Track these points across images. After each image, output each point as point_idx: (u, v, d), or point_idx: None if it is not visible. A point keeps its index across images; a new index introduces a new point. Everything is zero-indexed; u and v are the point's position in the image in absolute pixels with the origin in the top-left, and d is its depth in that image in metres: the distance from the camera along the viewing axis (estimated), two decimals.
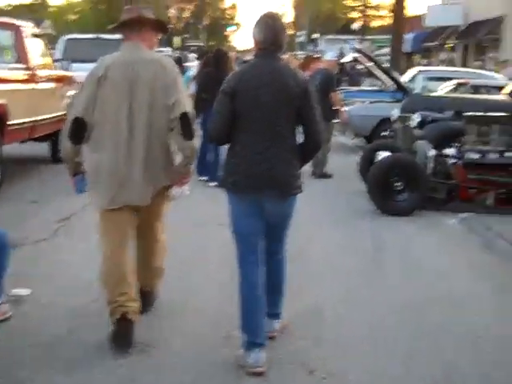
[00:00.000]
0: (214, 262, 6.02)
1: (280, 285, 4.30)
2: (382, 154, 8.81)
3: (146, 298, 4.60)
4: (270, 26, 3.93)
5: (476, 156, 8.52)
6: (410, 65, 30.19)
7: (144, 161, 4.13)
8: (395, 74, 14.25)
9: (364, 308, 5.09)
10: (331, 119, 10.64)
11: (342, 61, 18.63)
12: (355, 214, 8.16)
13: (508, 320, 4.96)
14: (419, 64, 32.07)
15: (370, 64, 14.65)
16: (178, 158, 4.29)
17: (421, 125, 10.38)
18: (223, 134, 3.98)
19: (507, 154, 8.42)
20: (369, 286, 5.61)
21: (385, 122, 12.94)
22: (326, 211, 8.32)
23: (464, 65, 30.57)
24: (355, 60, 16.62)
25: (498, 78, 16.20)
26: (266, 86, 3.88)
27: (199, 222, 7.36)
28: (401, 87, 13.54)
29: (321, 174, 10.67)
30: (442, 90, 14.10)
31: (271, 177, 3.90)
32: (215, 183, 9.32)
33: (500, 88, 13.11)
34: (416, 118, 10.42)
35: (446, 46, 34.78)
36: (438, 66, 29.65)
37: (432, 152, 8.56)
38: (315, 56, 12.17)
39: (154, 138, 4.15)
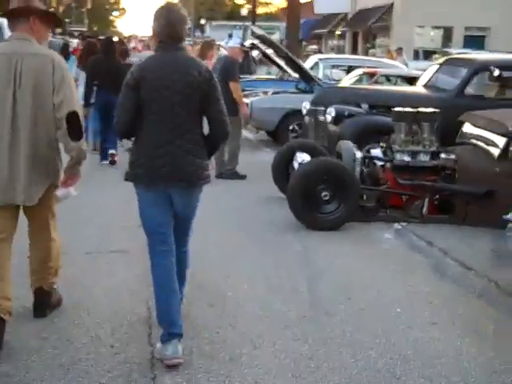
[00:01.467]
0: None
1: (183, 277, 4.26)
2: (302, 157, 7.53)
3: (44, 298, 4.46)
4: (165, 18, 3.89)
5: (407, 158, 7.40)
6: (301, 52, 29.26)
7: (29, 159, 4.01)
8: (301, 62, 13.04)
9: None
10: (237, 113, 9.25)
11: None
12: (274, 228, 6.84)
13: None
14: (307, 51, 31.23)
15: (270, 51, 13.40)
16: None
17: (336, 120, 9.25)
18: (127, 126, 3.95)
19: (442, 156, 7.34)
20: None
21: (291, 115, 11.71)
22: (238, 224, 6.96)
23: (353, 52, 30.04)
24: (253, 46, 15.33)
25: (400, 66, 15.35)
26: (167, 77, 3.84)
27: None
28: (307, 76, 12.35)
29: (232, 173, 9.28)
30: (349, 79, 13.03)
31: (175, 169, 3.87)
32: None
33: (410, 78, 12.17)
34: (331, 112, 9.27)
35: (335, 33, 34.13)
36: (328, 53, 28.91)
37: (359, 154, 7.35)
38: (211, 42, 10.72)
39: (41, 136, 4.04)
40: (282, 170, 8.06)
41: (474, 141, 7.61)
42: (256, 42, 13.52)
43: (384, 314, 4.74)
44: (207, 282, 5.20)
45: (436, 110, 7.57)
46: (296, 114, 11.41)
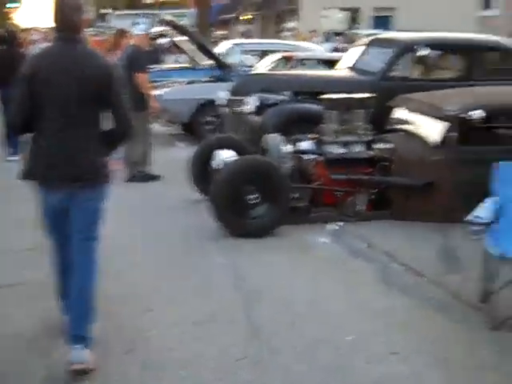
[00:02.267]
0: None
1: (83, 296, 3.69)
2: (224, 155, 6.67)
3: None
4: (59, 8, 3.67)
5: (340, 150, 6.65)
6: (209, 38, 28.26)
7: None
8: (214, 49, 12.15)
9: None
10: (145, 108, 8.29)
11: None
12: (197, 238, 5.98)
13: None
14: (215, 37, 30.22)
15: (181, 38, 12.50)
16: None
17: (258, 110, 8.43)
18: (19, 121, 3.70)
19: (377, 146, 6.64)
20: None
21: (206, 106, 10.80)
22: (155, 234, 6.06)
23: (263, 36, 29.34)
24: (161, 34, 14.34)
25: (317, 49, 14.65)
26: (60, 70, 3.61)
27: None
28: (221, 64, 11.48)
29: (144, 175, 8.32)
30: (267, 65, 12.19)
31: (70, 167, 3.61)
32: None
33: (330, 62, 11.46)
34: (252, 102, 8.43)
35: (243, 17, 33.29)
36: (237, 38, 28.02)
37: (288, 148, 6.55)
38: (124, 31, 9.65)
39: None
40: (201, 170, 7.17)
41: (408, 127, 6.94)
42: (166, 29, 12.57)
43: (336, 344, 3.96)
44: (123, 317, 4.30)
45: (370, 95, 6.85)
46: (212, 104, 10.50)
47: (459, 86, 8.41)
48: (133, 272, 5.13)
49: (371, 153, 6.64)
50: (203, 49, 11.72)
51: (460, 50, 8.97)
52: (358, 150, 6.72)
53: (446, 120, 6.34)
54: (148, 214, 6.79)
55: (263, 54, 14.11)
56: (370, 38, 9.74)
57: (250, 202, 5.99)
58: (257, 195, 6.00)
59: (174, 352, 3.88)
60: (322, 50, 14.68)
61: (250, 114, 8.50)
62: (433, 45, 8.93)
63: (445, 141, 6.35)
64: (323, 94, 8.73)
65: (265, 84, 8.88)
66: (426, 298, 4.64)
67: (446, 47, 9.13)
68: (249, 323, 4.22)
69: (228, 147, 6.91)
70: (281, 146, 6.52)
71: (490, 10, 28.18)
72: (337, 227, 6.31)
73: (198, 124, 10.94)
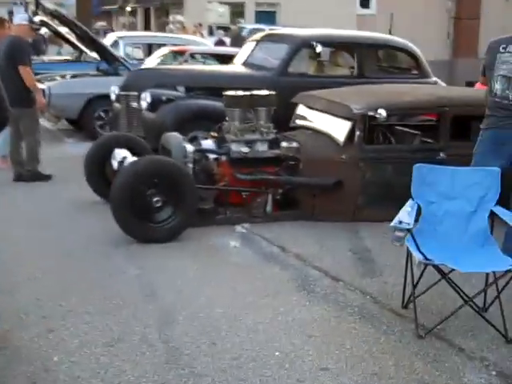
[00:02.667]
0: None
1: None
2: (122, 154, 6.22)
3: None
4: None
5: (244, 149, 6.34)
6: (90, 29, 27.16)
7: None
8: (101, 41, 11.54)
9: None
10: (32, 103, 7.65)
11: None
12: (97, 246, 5.51)
13: None
14: (96, 28, 29.14)
15: (63, 29, 11.79)
16: None
17: (153, 106, 8.01)
18: None
19: (283, 144, 6.39)
20: None
21: (95, 100, 10.20)
22: (47, 242, 5.53)
23: (146, 29, 28.65)
24: (43, 23, 13.49)
25: (205, 43, 14.30)
26: None
27: None
28: (109, 57, 10.90)
29: (34, 174, 7.67)
30: (155, 59, 11.71)
31: None
32: None
33: (222, 56, 11.16)
34: (146, 98, 8.00)
35: (125, 9, 32.33)
36: (120, 31, 27.13)
37: (190, 148, 6.18)
38: (2, 20, 8.87)
39: None
40: (97, 169, 6.66)
41: (313, 125, 6.76)
42: (47, 18, 11.80)
43: (264, 362, 3.65)
44: (20, 341, 3.81)
45: (272, 93, 6.58)
46: (101, 99, 9.95)
47: (355, 82, 8.40)
48: (30, 286, 4.61)
49: (277, 152, 6.39)
50: (89, 40, 11.08)
51: (354, 47, 8.90)
52: (263, 148, 6.45)
53: (352, 119, 6.19)
54: (43, 219, 6.22)
55: (148, 47, 13.67)
56: (262, 33, 9.50)
57: (154, 205, 5.59)
58: (161, 198, 5.60)
59: (83, 382, 3.44)
60: (211, 45, 14.35)
61: (143, 110, 8.06)
62: (328, 41, 8.85)
63: (352, 140, 6.20)
64: (219, 89, 8.47)
65: (158, 79, 8.45)
66: (348, 306, 4.42)
67: (340, 44, 9.07)
68: (165, 344, 3.84)
69: (126, 146, 6.47)
70: (183, 146, 6.14)
71: (368, 9, 28.81)
72: (244, 230, 6.03)
73: (87, 119, 10.32)
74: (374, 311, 4.37)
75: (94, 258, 5.21)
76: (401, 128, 6.93)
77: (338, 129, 6.36)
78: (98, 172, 6.64)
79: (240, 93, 6.49)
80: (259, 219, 6.24)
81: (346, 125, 6.25)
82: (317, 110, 6.78)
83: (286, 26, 24.32)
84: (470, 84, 11.75)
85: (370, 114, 6.13)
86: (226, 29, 25.54)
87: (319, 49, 8.52)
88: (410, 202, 4.32)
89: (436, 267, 4.00)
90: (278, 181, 6.23)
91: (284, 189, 6.32)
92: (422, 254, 3.92)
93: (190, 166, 6.10)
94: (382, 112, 6.05)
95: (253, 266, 5.13)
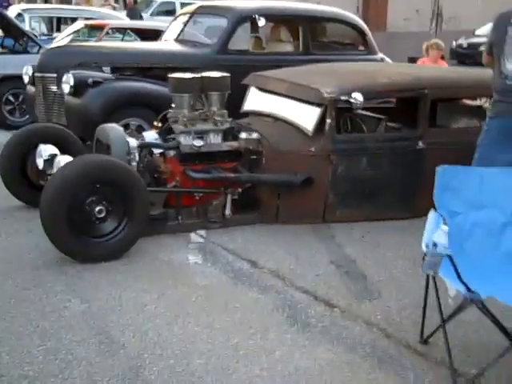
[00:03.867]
0: None
1: None
2: (48, 151, 5.05)
3: None
4: None
5: (197, 142, 5.29)
6: None
7: None
8: (6, 13, 10.05)
9: None
10: None
11: None
12: (25, 270, 4.37)
13: None
14: None
15: None
16: None
17: (77, 90, 6.80)
18: None
19: (242, 135, 5.38)
20: None
21: (2, 82, 8.81)
22: None
23: (46, 1, 26.65)
24: None
25: (121, 16, 12.95)
26: None
27: None
28: (15, 31, 9.49)
29: None
30: (67, 35, 10.34)
31: None
32: None
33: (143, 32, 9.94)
34: (69, 80, 6.78)
35: None
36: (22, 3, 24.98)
37: (134, 142, 5.06)
38: None
39: None
40: (16, 169, 5.45)
41: (272, 112, 5.77)
42: None
43: None
44: None
45: (226, 75, 5.53)
46: (9, 80, 8.60)
47: (300, 60, 7.53)
48: None
49: (234, 144, 5.37)
50: None
51: (300, 21, 7.92)
52: (217, 140, 5.42)
53: (322, 104, 5.25)
54: None
55: (57, 21, 12.26)
56: (195, 5, 8.35)
57: (96, 216, 4.48)
58: (104, 207, 4.49)
59: None
60: (126, 18, 13.01)
61: (66, 95, 6.82)
62: (271, 14, 7.84)
63: (322, 129, 5.27)
64: (150, 70, 7.37)
65: (81, 58, 7.19)
66: (358, 345, 3.51)
67: (284, 17, 8.07)
68: None
69: (52, 140, 5.29)
70: (126, 140, 5.02)
71: None
72: (202, 239, 5.01)
73: None
74: (389, 350, 3.48)
75: (19, 289, 4.07)
76: (368, 113, 6.05)
77: (305, 116, 5.41)
78: (19, 171, 5.43)
79: (189, 75, 5.40)
80: (217, 224, 5.24)
81: (315, 111, 5.31)
82: (276, 93, 5.80)
83: None
84: (413, 60, 11.08)
85: (343, 98, 5.22)
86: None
87: (262, 22, 7.51)
88: (432, 213, 3.42)
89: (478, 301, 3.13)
90: (238, 179, 5.23)
91: (243, 188, 5.33)
92: (465, 284, 3.04)
93: (134, 164, 4.99)
94: (358, 96, 5.14)
95: (225, 290, 4.13)
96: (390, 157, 5.47)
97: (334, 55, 8.15)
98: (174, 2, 22.88)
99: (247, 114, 6.14)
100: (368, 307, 3.96)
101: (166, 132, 5.45)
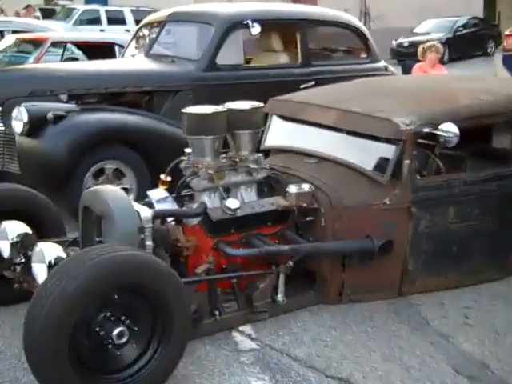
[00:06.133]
0: None
1: None
2: (15, 231, 3.41)
3: None
4: None
5: (232, 203, 3.71)
6: None
7: None
8: None
9: None
10: None
11: None
12: None
13: None
14: None
15: None
16: None
17: (33, 128, 5.15)
18: None
19: (292, 190, 3.83)
20: None
21: None
22: None
23: None
24: None
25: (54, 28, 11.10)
26: None
27: None
28: None
29: None
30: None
31: None
32: None
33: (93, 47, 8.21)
34: (21, 116, 5.13)
35: None
36: None
37: (148, 212, 3.44)
38: None
39: None
40: None
41: (314, 149, 4.27)
42: None
43: None
44: None
45: (259, 105, 3.97)
46: None
47: (300, 73, 6.19)
48: None
49: (282, 202, 3.82)
50: None
51: (298, 26, 6.43)
52: (251, 197, 3.88)
53: (398, 140, 3.79)
54: None
55: None
56: (166, 11, 6.72)
57: (113, 342, 2.85)
58: (126, 327, 2.88)
59: None
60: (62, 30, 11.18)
61: (19, 134, 5.12)
62: (266, 19, 6.33)
63: (398, 173, 3.82)
64: (120, 95, 5.81)
65: (31, 85, 5.50)
66: None
67: (279, 22, 6.57)
68: None
69: (19, 211, 3.64)
70: (135, 212, 3.39)
71: None
72: (254, 343, 3.47)
73: None
74: None
75: None
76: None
77: (373, 157, 3.95)
78: None
79: (210, 109, 3.81)
80: (265, 314, 3.71)
81: (389, 150, 3.84)
82: (316, 124, 4.30)
83: (122, 6, 21.23)
84: None
85: (427, 131, 3.79)
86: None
87: (256, 30, 6.00)
88: None
89: None
90: (297, 252, 3.68)
91: (294, 260, 3.79)
92: None
93: (149, 244, 3.39)
94: (451, 128, 3.71)
95: None
96: (481, 203, 4.08)
97: (336, 65, 6.77)
98: (98, 10, 20.95)
99: (268, 151, 4.63)
100: None
101: (180, 189, 3.87)
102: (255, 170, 3.89)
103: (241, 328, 3.62)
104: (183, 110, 3.77)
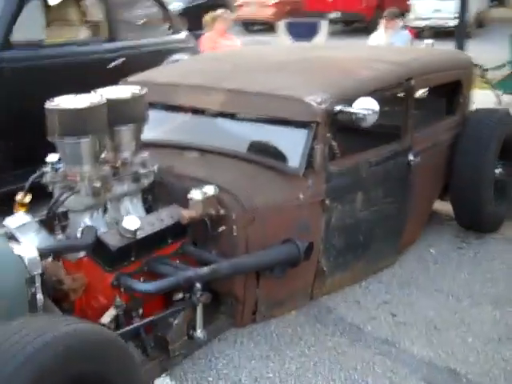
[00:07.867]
0: None
1: None
2: None
3: None
4: None
5: (130, 223, 2.78)
6: None
7: None
8: None
9: None
10: None
11: None
12: None
13: None
14: None
15: None
16: None
17: None
18: None
19: (195, 195, 3.00)
20: None
21: None
22: None
23: None
24: None
25: None
26: None
27: None
28: None
29: None
30: None
31: None
32: None
33: None
34: None
35: None
36: None
37: (34, 252, 2.41)
38: None
39: None
40: None
41: (195, 142, 3.48)
42: None
43: None
44: None
45: (141, 92, 3.05)
46: None
47: (106, 49, 5.31)
48: None
49: (189, 213, 2.99)
50: None
51: None
52: (138, 210, 3.03)
53: (311, 122, 3.19)
54: None
55: None
56: None
57: None
58: None
59: None
60: None
61: None
62: None
63: (311, 161, 3.22)
64: None
65: None
66: None
67: None
68: None
69: None
70: (16, 255, 2.36)
71: None
72: None
73: None
74: None
75: None
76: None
77: (278, 144, 3.30)
78: None
79: (85, 98, 2.81)
80: (180, 357, 2.92)
81: (298, 134, 3.22)
82: (197, 111, 3.51)
83: None
84: None
85: (343, 110, 3.22)
86: None
87: None
88: None
89: None
90: (216, 273, 2.89)
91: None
92: None
93: (40, 298, 2.40)
94: (371, 104, 3.19)
95: None
96: (384, 185, 3.68)
97: (143, 38, 5.95)
98: None
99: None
100: None
101: (51, 211, 2.85)
102: (144, 174, 3.03)
103: (162, 379, 2.81)
104: (46, 106, 2.74)
